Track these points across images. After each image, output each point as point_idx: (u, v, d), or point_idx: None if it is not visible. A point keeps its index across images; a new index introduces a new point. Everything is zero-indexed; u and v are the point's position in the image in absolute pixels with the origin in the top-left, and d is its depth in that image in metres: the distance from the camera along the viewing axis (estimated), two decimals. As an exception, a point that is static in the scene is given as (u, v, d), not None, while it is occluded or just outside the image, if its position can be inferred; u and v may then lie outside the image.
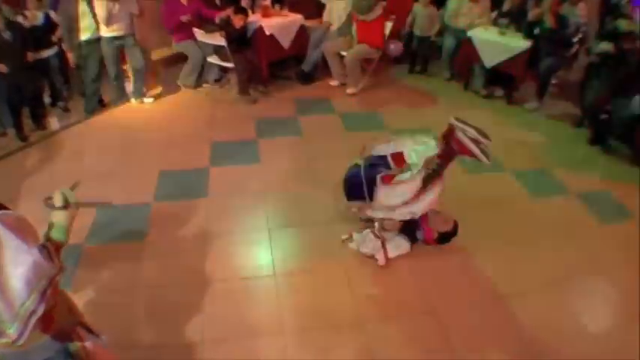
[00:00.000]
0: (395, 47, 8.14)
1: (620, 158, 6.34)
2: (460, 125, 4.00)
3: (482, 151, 3.97)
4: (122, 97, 7.23)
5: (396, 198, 4.06)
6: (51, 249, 1.94)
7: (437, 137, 4.21)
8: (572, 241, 4.81)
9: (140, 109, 7.14)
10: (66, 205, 2.18)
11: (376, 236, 4.33)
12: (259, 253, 4.44)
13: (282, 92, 7.81)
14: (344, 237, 4.54)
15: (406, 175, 4.07)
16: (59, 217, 2.16)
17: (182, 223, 4.73)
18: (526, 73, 7.74)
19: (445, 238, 4.47)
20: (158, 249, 4.41)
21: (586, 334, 3.84)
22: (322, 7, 8.47)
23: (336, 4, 8.19)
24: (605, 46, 6.81)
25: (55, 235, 2.10)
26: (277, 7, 8.16)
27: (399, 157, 4.38)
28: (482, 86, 8.10)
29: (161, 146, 6.07)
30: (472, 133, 3.97)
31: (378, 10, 7.65)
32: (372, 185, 4.13)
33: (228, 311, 3.80)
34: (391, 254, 4.34)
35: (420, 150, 4.25)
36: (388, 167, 4.25)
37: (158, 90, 7.65)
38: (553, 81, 7.82)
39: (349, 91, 7.85)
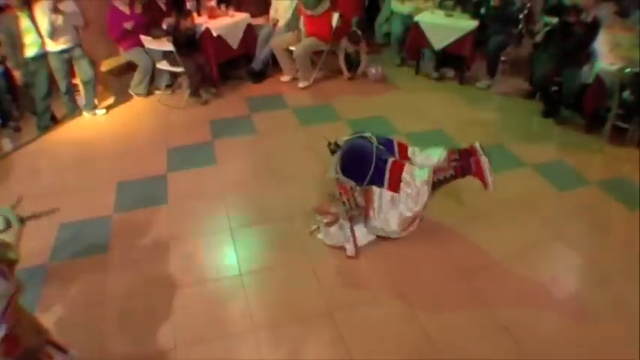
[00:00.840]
0: (376, 72, 8.16)
1: (573, 128, 6.55)
2: (481, 151, 4.26)
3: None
4: (74, 111, 7.14)
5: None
6: (5, 268, 1.93)
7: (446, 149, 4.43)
8: (533, 211, 4.95)
9: (93, 122, 7.06)
10: (8, 226, 2.21)
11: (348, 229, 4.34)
12: (224, 254, 4.45)
13: (234, 92, 7.81)
14: (313, 227, 4.58)
15: (421, 173, 4.17)
16: (5, 238, 2.16)
17: (144, 232, 4.72)
18: (475, 53, 7.88)
19: None
20: (123, 260, 4.39)
21: (553, 302, 3.95)
22: (268, 4, 8.50)
23: (281, 0, 8.23)
24: (547, 22, 7.02)
25: (6, 254, 2.08)
26: (223, 7, 8.12)
27: (403, 148, 4.48)
28: (434, 69, 8.22)
29: (117, 157, 6.03)
30: (486, 161, 4.21)
31: (326, 4, 7.70)
32: (380, 166, 4.20)
33: (198, 314, 3.81)
34: (359, 243, 4.40)
35: (427, 153, 4.43)
36: (393, 154, 4.38)
37: (110, 101, 7.57)
38: (502, 58, 7.98)
39: (301, 85, 7.88)
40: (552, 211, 4.99)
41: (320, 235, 4.50)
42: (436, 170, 4.25)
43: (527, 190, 5.31)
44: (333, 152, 4.50)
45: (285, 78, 8.15)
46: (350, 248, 4.34)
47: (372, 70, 8.13)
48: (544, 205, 5.09)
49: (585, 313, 3.84)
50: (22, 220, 2.33)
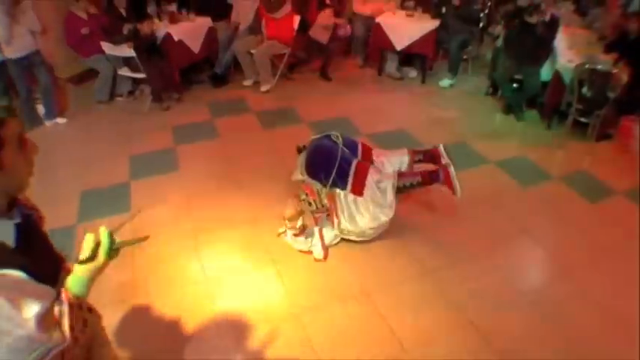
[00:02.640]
0: (344, 30, 8.39)
1: (534, 124, 6.69)
2: (446, 155, 4.44)
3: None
4: (34, 119, 7.02)
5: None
6: (55, 315, 1.56)
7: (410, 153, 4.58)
8: (498, 208, 5.05)
9: (54, 131, 6.95)
10: (94, 255, 1.77)
11: (318, 236, 4.38)
12: (188, 261, 4.42)
13: (197, 97, 7.77)
14: (280, 230, 4.58)
15: (384, 184, 4.23)
16: (81, 270, 1.75)
17: (108, 241, 4.67)
18: (437, 52, 7.98)
19: None
20: (87, 270, 4.33)
21: (519, 296, 4.05)
22: (229, 7, 8.47)
23: (242, 3, 8.21)
24: (499, 30, 7.18)
25: (74, 287, 1.72)
26: (184, 11, 8.08)
27: (367, 150, 4.51)
28: (396, 69, 8.30)
29: (80, 166, 5.94)
30: (453, 171, 4.36)
31: (287, 7, 7.72)
32: (344, 167, 4.25)
33: (164, 323, 3.79)
34: (328, 244, 4.44)
35: (394, 162, 4.47)
36: (356, 156, 4.43)
37: (71, 108, 7.46)
38: (464, 57, 8.09)
39: (263, 88, 7.87)
40: (517, 206, 5.10)
41: (286, 239, 4.51)
42: (401, 175, 4.31)
43: (491, 187, 5.41)
44: (299, 152, 4.57)
45: (247, 82, 8.14)
46: (317, 251, 4.36)
47: (341, 30, 8.37)
48: (508, 201, 5.19)
49: (551, 306, 3.92)
50: (117, 250, 1.89)
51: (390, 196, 4.25)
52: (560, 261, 4.43)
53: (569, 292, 4.06)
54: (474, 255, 4.42)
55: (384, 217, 4.29)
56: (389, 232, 4.58)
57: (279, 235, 4.58)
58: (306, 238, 4.39)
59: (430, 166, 4.53)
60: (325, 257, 4.36)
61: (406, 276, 4.20)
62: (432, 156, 4.47)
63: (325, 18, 8.06)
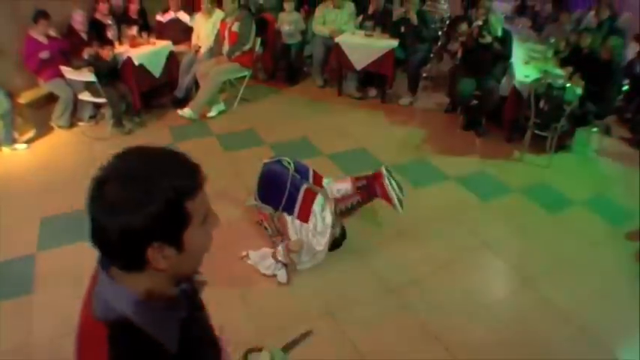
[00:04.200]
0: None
1: (494, 139, 6.84)
2: (387, 174, 4.40)
3: (400, 202, 4.38)
4: (-8, 145, 6.93)
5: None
6: None
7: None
8: (459, 223, 5.14)
9: (13, 156, 6.84)
10: None
11: (278, 261, 4.38)
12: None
13: (158, 121, 7.75)
14: (243, 253, 4.59)
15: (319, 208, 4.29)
16: None
17: (71, 269, 4.56)
18: (396, 71, 8.09)
19: (336, 244, 4.64)
20: (49, 299, 4.27)
21: (481, 308, 4.13)
22: (190, 30, 8.49)
23: (203, 26, 8.24)
24: (457, 48, 7.36)
25: None
26: (145, 35, 8.08)
27: (318, 178, 4.55)
28: (356, 89, 8.39)
29: (40, 192, 5.86)
30: (395, 184, 4.38)
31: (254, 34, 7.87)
32: (292, 193, 4.29)
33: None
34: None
35: (339, 190, 4.52)
36: (307, 180, 4.47)
37: (31, 134, 7.36)
38: (423, 75, 8.22)
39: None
40: (477, 221, 5.21)
41: (250, 262, 4.51)
42: (340, 200, 4.36)
43: (452, 202, 5.51)
44: None
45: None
46: (281, 275, 4.37)
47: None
48: (469, 215, 5.29)
49: (513, 316, 4.01)
50: None
51: (327, 221, 4.32)
52: (521, 272, 4.54)
53: (532, 303, 4.17)
54: (435, 270, 4.50)
55: (318, 246, 4.34)
56: (350, 250, 4.66)
57: (242, 258, 4.59)
58: (276, 261, 4.41)
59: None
60: (288, 281, 4.37)
61: (369, 294, 4.25)
62: (374, 178, 4.52)
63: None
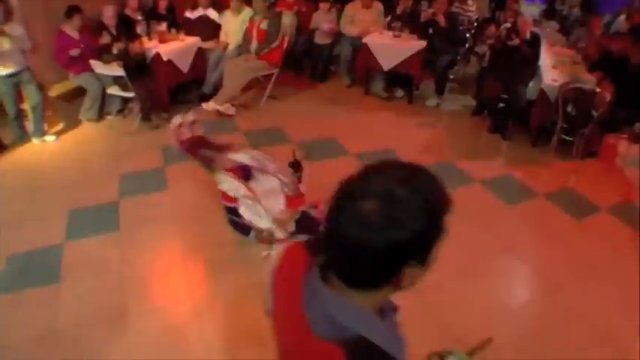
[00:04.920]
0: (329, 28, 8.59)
1: (520, 142, 6.79)
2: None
3: None
4: (23, 137, 7.03)
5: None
6: None
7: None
8: (483, 226, 5.11)
9: (43, 148, 6.97)
10: None
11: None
12: (178, 282, 4.46)
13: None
14: (264, 253, 4.61)
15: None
16: None
17: (96, 260, 4.69)
18: (424, 72, 8.07)
19: None
20: (74, 289, 4.34)
21: (507, 312, 4.11)
22: (218, 27, 8.55)
23: (232, 23, 8.29)
24: (485, 50, 7.31)
25: None
26: (173, 31, 8.15)
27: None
28: (383, 89, 8.37)
29: (68, 184, 5.96)
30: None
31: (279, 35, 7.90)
32: None
33: (153, 343, 3.80)
34: None
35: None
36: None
37: (60, 126, 7.48)
38: (450, 77, 8.18)
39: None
40: (502, 225, 5.17)
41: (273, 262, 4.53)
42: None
43: (477, 205, 5.47)
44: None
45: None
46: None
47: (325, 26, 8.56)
48: (494, 219, 5.26)
49: (538, 321, 4.00)
50: None
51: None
52: (546, 277, 4.51)
53: (556, 308, 4.13)
54: (459, 273, 4.45)
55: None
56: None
57: (264, 257, 4.61)
58: None
59: None
60: None
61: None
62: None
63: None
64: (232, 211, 4.37)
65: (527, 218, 5.33)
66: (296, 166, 4.87)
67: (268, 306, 1.48)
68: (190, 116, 4.73)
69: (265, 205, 4.27)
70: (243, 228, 4.48)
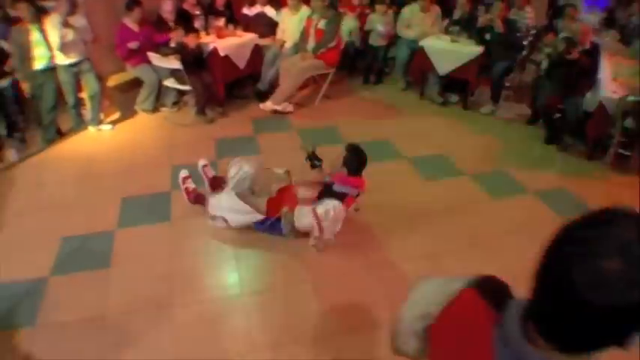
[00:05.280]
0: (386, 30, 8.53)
1: (575, 154, 6.59)
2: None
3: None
4: (80, 125, 7.17)
5: None
6: None
7: None
8: (533, 238, 4.87)
9: (98, 137, 7.10)
10: None
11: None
12: (226, 274, 4.47)
13: (240, 112, 7.83)
14: (312, 242, 4.65)
15: None
16: None
17: (147, 249, 4.73)
18: (479, 79, 7.94)
19: None
20: (124, 276, 4.39)
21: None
22: (275, 25, 8.56)
23: (289, 21, 8.30)
24: (542, 58, 7.14)
25: None
26: (231, 27, 8.20)
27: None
28: (438, 94, 8.26)
29: (122, 173, 6.04)
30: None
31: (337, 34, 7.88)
32: None
33: (198, 333, 3.81)
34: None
35: None
36: None
37: (116, 116, 7.60)
38: (506, 84, 8.03)
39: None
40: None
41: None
42: None
43: (529, 217, 5.31)
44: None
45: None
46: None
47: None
48: (546, 232, 5.03)
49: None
50: None
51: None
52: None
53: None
54: (510, 283, 4.33)
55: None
56: (428, 255, 4.60)
57: (313, 245, 4.64)
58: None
59: None
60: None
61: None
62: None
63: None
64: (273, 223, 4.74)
65: None
66: (314, 159, 4.93)
67: (400, 346, 1.45)
68: (202, 161, 5.36)
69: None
70: (278, 229, 4.74)
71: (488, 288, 1.32)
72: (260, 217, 4.72)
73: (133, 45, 7.31)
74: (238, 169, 4.77)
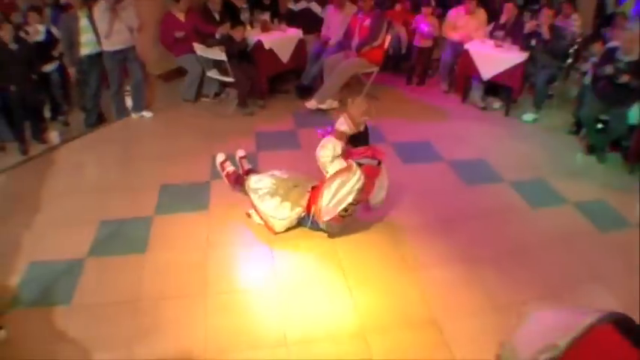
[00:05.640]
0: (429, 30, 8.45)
1: (616, 167, 6.40)
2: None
3: None
4: (122, 111, 7.26)
5: None
6: None
7: None
8: (571, 250, 4.83)
9: (140, 123, 7.17)
10: None
11: None
12: (261, 265, 4.45)
13: (281, 106, 7.84)
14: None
15: None
16: None
17: (183, 237, 4.75)
18: (523, 85, 7.80)
19: None
20: (160, 262, 4.42)
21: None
22: (320, 21, 8.56)
23: (334, 18, 8.28)
24: (588, 67, 6.97)
25: None
26: (276, 21, 8.23)
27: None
28: (480, 98, 8.15)
29: (161, 160, 6.09)
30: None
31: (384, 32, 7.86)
32: None
33: (231, 323, 3.80)
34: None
35: None
36: None
37: (158, 104, 7.67)
38: (550, 92, 7.88)
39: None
40: (591, 251, 4.85)
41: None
42: None
43: (567, 228, 5.19)
44: None
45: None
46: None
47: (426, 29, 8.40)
48: (584, 244, 4.97)
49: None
50: None
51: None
52: (632, 312, 4.20)
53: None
54: (543, 296, 4.23)
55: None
56: (463, 260, 4.53)
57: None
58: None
59: None
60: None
61: (476, 308, 4.06)
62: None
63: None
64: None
65: (618, 248, 4.95)
66: None
67: None
68: (241, 152, 5.49)
69: None
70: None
71: (627, 325, 1.31)
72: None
73: (179, 34, 7.38)
74: (259, 179, 4.84)
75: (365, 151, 4.63)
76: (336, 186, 4.42)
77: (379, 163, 4.66)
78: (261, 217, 4.74)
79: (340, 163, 4.44)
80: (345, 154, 4.53)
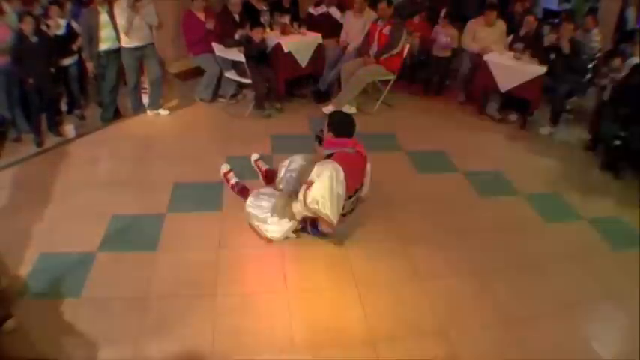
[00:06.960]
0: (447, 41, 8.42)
1: (631, 185, 6.32)
2: None
3: None
4: (139, 107, 7.29)
5: None
6: None
7: None
8: (584, 266, 4.78)
9: (156, 121, 7.19)
10: None
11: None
12: (271, 269, 4.42)
13: (298, 110, 7.84)
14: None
15: None
16: None
17: (195, 236, 4.74)
18: (540, 99, 7.75)
19: None
20: (170, 259, 4.41)
21: (598, 358, 3.83)
22: (340, 26, 8.55)
23: (354, 24, 8.27)
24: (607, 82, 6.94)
25: None
26: (296, 25, 8.22)
27: None
28: (497, 110, 8.10)
29: (176, 158, 6.10)
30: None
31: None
32: None
33: (239, 324, 3.78)
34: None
35: None
36: None
37: (174, 102, 7.70)
38: (567, 106, 7.83)
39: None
40: (605, 268, 4.80)
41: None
42: None
43: (581, 244, 5.15)
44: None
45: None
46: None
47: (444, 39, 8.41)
48: (597, 261, 4.91)
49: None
50: None
51: None
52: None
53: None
54: (555, 311, 4.19)
55: None
56: (475, 272, 4.50)
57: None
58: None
59: None
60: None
61: (486, 320, 4.03)
62: None
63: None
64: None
65: (632, 266, 4.91)
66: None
67: None
68: (255, 155, 5.65)
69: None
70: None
71: None
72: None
73: (209, 24, 7.47)
74: (290, 161, 4.92)
75: (344, 144, 4.65)
76: (329, 186, 4.34)
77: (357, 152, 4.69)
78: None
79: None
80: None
